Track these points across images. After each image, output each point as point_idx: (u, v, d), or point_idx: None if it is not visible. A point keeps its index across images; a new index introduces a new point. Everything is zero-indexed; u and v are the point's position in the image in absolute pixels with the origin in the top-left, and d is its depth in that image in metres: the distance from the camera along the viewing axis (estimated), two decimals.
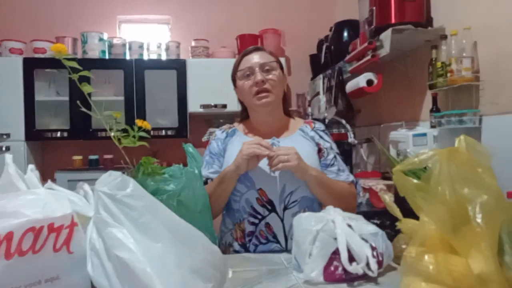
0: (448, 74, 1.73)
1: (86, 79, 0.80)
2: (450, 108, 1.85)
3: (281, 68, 1.33)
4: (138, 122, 0.88)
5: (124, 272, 0.64)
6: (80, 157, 3.21)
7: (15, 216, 0.57)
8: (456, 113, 1.70)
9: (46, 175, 3.31)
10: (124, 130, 0.92)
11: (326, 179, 1.24)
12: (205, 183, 1.26)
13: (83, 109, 0.84)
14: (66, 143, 3.30)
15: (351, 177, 1.33)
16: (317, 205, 1.29)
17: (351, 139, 2.71)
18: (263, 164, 1.23)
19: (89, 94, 0.86)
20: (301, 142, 1.30)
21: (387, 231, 1.24)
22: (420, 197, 0.74)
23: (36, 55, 3.08)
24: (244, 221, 1.25)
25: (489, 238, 0.65)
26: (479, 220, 0.64)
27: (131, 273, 0.63)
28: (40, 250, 0.59)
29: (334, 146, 1.36)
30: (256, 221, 1.23)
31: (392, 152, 2.23)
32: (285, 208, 1.23)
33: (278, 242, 1.22)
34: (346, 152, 3.16)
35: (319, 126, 1.38)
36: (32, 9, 3.37)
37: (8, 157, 0.72)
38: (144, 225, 0.69)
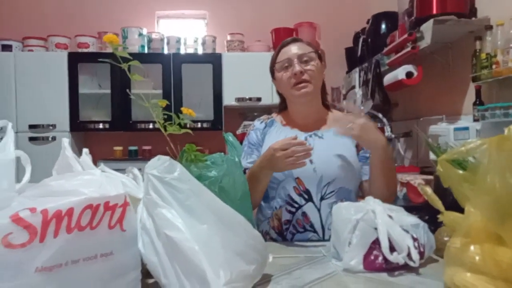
0: (494, 66, 1.66)
1: (136, 69, 0.84)
2: (494, 101, 1.78)
3: (320, 58, 1.32)
4: (184, 110, 0.91)
5: (173, 250, 0.67)
6: (120, 148, 3.34)
7: (74, 194, 0.61)
8: (502, 105, 1.64)
9: None
10: (168, 119, 0.96)
11: (391, 159, 1.22)
12: (243, 172, 1.27)
13: (132, 97, 0.88)
14: (107, 134, 3.43)
15: None
16: (354, 197, 1.29)
17: (388, 133, 2.66)
18: None
19: (130, 87, 0.89)
20: (338, 137, 1.28)
21: (439, 220, 1.21)
22: (467, 187, 0.73)
23: (80, 50, 3.22)
24: (281, 209, 1.26)
25: None
26: None
27: (180, 251, 0.67)
28: (96, 226, 0.63)
29: None
30: (293, 209, 1.25)
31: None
32: (322, 198, 1.24)
33: (315, 231, 1.23)
34: None
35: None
36: (76, 6, 3.52)
37: (65, 140, 0.77)
38: (190, 207, 0.72)
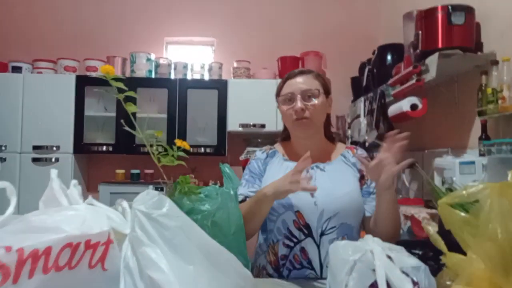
0: (500, 101, 1.64)
1: (132, 99, 0.83)
2: (501, 136, 1.74)
3: (326, 92, 1.29)
4: (178, 142, 0.90)
5: None
6: (122, 171, 3.33)
7: (54, 231, 0.59)
8: (508, 141, 1.60)
9: (90, 187, 3.48)
10: (164, 149, 0.94)
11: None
12: (243, 200, 1.24)
13: (127, 128, 0.86)
14: (110, 157, 3.44)
15: None
16: (356, 233, 1.24)
17: None
18: None
19: (133, 113, 0.88)
20: (342, 168, 1.28)
21: (429, 263, 1.16)
22: (468, 233, 0.69)
23: (88, 73, 3.27)
24: (278, 243, 1.22)
25: None
26: None
27: None
28: (76, 266, 0.60)
29: None
30: (291, 244, 1.21)
31: (437, 180, 2.13)
32: (322, 234, 1.19)
33: (313, 268, 1.18)
34: None
35: (362, 152, 1.35)
36: (86, 30, 3.60)
37: (53, 172, 0.75)
38: (177, 245, 0.69)
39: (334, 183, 1.23)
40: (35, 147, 3.14)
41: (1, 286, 0.54)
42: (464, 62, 1.92)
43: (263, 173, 1.32)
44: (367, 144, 2.83)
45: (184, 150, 0.90)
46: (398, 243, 2.05)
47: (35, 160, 3.14)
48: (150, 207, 0.70)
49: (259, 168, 1.33)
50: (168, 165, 0.90)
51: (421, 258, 1.71)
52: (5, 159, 3.10)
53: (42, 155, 3.15)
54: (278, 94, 1.33)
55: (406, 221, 2.28)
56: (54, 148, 3.17)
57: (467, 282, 0.71)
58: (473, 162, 1.88)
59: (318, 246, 1.19)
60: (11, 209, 0.67)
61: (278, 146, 1.40)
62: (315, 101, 1.25)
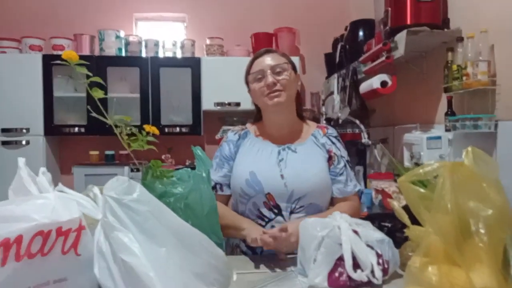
0: (464, 78, 1.70)
1: (99, 84, 0.82)
2: (465, 112, 1.82)
3: (294, 68, 1.32)
4: (147, 127, 0.90)
5: (129, 275, 0.66)
6: (96, 152, 3.28)
7: (24, 220, 0.60)
8: (471, 117, 1.67)
9: (64, 169, 3.42)
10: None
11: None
12: (214, 187, 1.28)
13: (94, 114, 0.86)
14: (83, 138, 3.37)
15: (358, 187, 1.34)
16: (325, 211, 1.29)
17: (365, 139, 2.69)
18: (273, 168, 1.25)
19: (107, 90, 0.87)
20: (312, 149, 1.31)
21: (398, 235, 1.23)
22: (424, 207, 0.74)
23: (55, 52, 3.15)
24: None
25: (492, 252, 0.65)
26: (482, 235, 0.63)
27: (135, 276, 0.65)
28: (48, 252, 0.62)
29: (344, 153, 1.35)
30: (263, 223, 1.25)
31: (406, 155, 2.21)
32: (291, 212, 1.24)
33: None
34: (359, 152, 3.14)
35: (332, 132, 1.38)
36: (51, 7, 3.44)
37: (21, 160, 0.75)
38: (149, 229, 0.71)
39: (304, 165, 1.26)
40: (4, 130, 3.04)
41: None
42: (431, 38, 1.97)
43: (234, 156, 1.34)
44: (340, 120, 2.88)
45: (154, 136, 0.90)
46: (370, 216, 2.15)
47: (4, 143, 3.04)
48: (121, 193, 0.71)
49: (230, 151, 1.35)
50: (139, 149, 0.90)
51: (390, 229, 1.80)
52: None
53: (11, 138, 3.06)
54: (247, 73, 1.34)
55: (377, 194, 2.38)
56: (24, 131, 3.07)
57: (424, 252, 0.77)
58: (439, 137, 1.96)
59: None
60: None
61: (250, 127, 1.41)
62: (285, 75, 1.27)
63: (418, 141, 2.03)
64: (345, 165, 1.32)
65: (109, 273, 0.67)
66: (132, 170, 3.06)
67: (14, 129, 3.05)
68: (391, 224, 2.10)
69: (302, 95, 3.60)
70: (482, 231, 0.63)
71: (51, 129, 3.12)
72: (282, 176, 1.24)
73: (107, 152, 3.26)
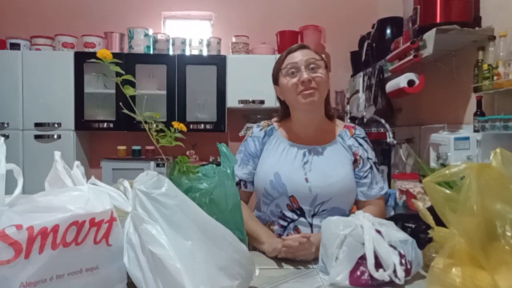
0: (495, 77, 1.65)
1: (130, 81, 0.85)
2: (495, 112, 1.77)
3: (326, 67, 1.28)
4: (175, 124, 0.93)
5: (156, 266, 0.69)
6: (124, 147, 3.38)
7: (60, 210, 0.63)
8: (502, 118, 1.62)
9: (92, 163, 3.54)
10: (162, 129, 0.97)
11: None
12: (237, 183, 1.27)
13: (125, 111, 0.89)
14: (111, 133, 3.47)
15: (384, 190, 1.29)
16: (349, 214, 1.28)
17: (390, 139, 2.66)
18: (298, 171, 1.23)
19: (135, 87, 0.91)
20: (338, 152, 1.28)
21: (422, 236, 1.22)
22: (449, 209, 0.73)
23: (86, 49, 3.25)
24: (274, 223, 1.27)
25: None
26: (508, 237, 0.63)
27: (162, 267, 0.68)
28: (82, 242, 0.65)
29: (372, 154, 1.31)
30: (285, 223, 1.25)
31: (432, 155, 2.17)
32: (314, 215, 1.24)
33: None
34: (384, 152, 3.10)
35: (359, 132, 1.33)
36: (84, 6, 3.56)
37: (57, 154, 0.79)
38: (176, 222, 0.73)
39: (329, 168, 1.24)
40: (37, 124, 3.18)
41: (15, 261, 0.59)
42: (461, 37, 1.92)
43: (259, 153, 1.32)
44: (365, 119, 2.85)
45: (181, 132, 0.93)
46: (394, 216, 2.12)
47: (37, 137, 3.18)
48: (150, 187, 0.74)
49: (255, 148, 1.32)
50: (166, 145, 0.93)
51: (414, 230, 1.78)
52: (8, 136, 3.14)
53: (44, 132, 3.19)
54: (278, 68, 1.29)
55: (401, 195, 2.34)
56: (56, 125, 3.20)
57: (448, 254, 0.76)
58: (467, 138, 1.92)
59: (311, 225, 1.24)
60: (18, 189, 0.71)
61: (276, 124, 1.37)
62: (320, 72, 1.23)
63: (445, 141, 1.99)
64: (370, 167, 1.28)
65: (138, 263, 0.71)
66: (158, 165, 3.13)
67: (46, 124, 3.18)
68: (414, 225, 2.07)
69: (329, 98, 3.58)
70: (508, 233, 0.62)
71: (82, 124, 3.23)
72: (306, 179, 1.22)
73: (134, 147, 3.35)
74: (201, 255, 0.73)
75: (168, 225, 0.73)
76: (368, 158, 1.29)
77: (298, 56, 1.24)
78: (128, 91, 0.87)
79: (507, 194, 0.63)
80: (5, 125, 3.15)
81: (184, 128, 0.92)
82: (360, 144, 1.30)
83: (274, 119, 1.39)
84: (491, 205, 0.64)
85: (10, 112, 3.15)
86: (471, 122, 1.96)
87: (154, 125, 0.96)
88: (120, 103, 0.87)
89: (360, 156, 1.28)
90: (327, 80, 1.26)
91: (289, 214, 1.24)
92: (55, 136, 3.20)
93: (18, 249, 0.59)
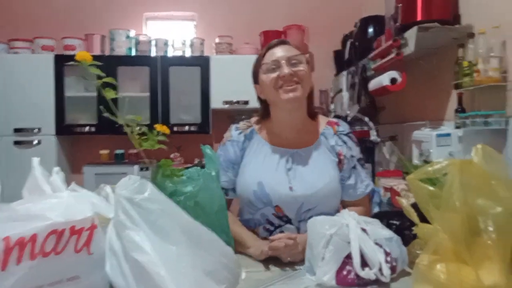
0: (475, 74, 1.68)
1: (111, 84, 0.83)
2: (476, 108, 1.80)
3: (308, 62, 1.22)
4: (157, 126, 0.91)
5: (140, 273, 0.67)
6: (107, 151, 3.33)
7: (39, 219, 0.61)
8: (482, 114, 1.66)
9: (75, 169, 3.47)
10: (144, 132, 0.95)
11: None
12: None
13: (106, 114, 0.87)
14: (94, 137, 3.41)
15: (370, 187, 1.28)
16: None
17: (373, 137, 2.68)
18: (281, 180, 1.20)
19: (117, 90, 0.89)
20: (321, 156, 1.24)
21: (407, 233, 1.23)
22: (433, 205, 0.74)
23: (66, 52, 3.19)
24: (259, 227, 1.25)
25: (501, 250, 0.65)
26: (491, 232, 0.63)
27: (146, 275, 0.66)
28: (62, 251, 0.63)
29: (356, 151, 1.27)
30: (272, 228, 1.23)
31: (415, 152, 2.20)
32: (301, 221, 1.21)
33: None
34: (368, 150, 3.13)
35: (343, 129, 1.28)
36: (63, 8, 3.49)
37: (35, 160, 0.77)
38: (160, 228, 0.72)
39: (314, 174, 1.20)
40: (16, 130, 3.10)
41: None
42: (442, 35, 1.95)
43: (239, 159, 1.27)
44: (349, 118, 2.87)
45: (170, 128, 0.92)
46: (378, 214, 2.12)
47: (16, 143, 3.10)
48: (132, 192, 0.73)
49: (235, 154, 1.27)
50: (150, 148, 0.92)
51: (399, 227, 1.79)
52: None
53: (24, 137, 3.11)
54: (258, 65, 1.23)
55: (385, 192, 2.36)
56: (36, 130, 3.13)
57: (433, 250, 0.76)
58: (449, 135, 1.95)
59: (298, 229, 1.21)
60: None
61: (255, 125, 1.31)
62: (302, 65, 1.18)
63: (427, 138, 2.02)
64: (354, 166, 1.25)
65: (121, 271, 0.69)
66: (141, 169, 3.10)
67: (26, 129, 3.11)
68: (399, 222, 2.10)
69: (312, 96, 3.60)
70: (490, 228, 0.62)
71: (63, 128, 3.18)
72: (290, 188, 1.19)
73: (117, 151, 3.31)
74: (187, 260, 0.72)
75: (152, 231, 0.71)
76: (352, 156, 1.25)
77: (279, 52, 1.19)
78: (109, 93, 0.85)
79: (489, 189, 0.64)
80: None
81: (167, 131, 0.91)
82: (344, 142, 1.26)
83: (253, 119, 1.34)
84: (474, 201, 0.65)
85: None
86: (452, 118, 1.99)
87: (137, 128, 0.94)
88: (101, 107, 0.85)
89: (344, 156, 1.24)
90: (309, 75, 1.20)
91: (275, 221, 1.22)
92: (35, 142, 3.13)
93: None
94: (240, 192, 1.26)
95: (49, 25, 3.42)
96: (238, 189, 1.26)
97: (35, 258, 0.60)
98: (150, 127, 0.95)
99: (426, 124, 2.18)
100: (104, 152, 3.31)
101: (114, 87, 0.93)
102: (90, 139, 3.46)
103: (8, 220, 0.62)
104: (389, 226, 2.15)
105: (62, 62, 3.14)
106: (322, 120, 1.32)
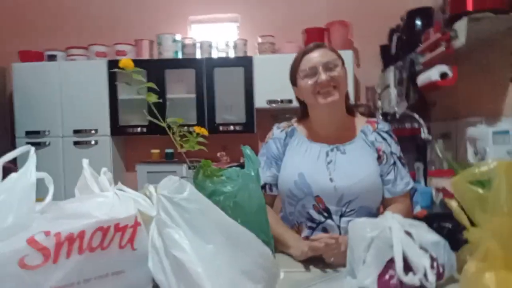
0: None
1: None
2: None
3: (343, 63, 1.27)
4: (196, 128, 0.94)
5: (179, 270, 0.70)
6: (157, 151, 3.47)
7: (86, 217, 0.66)
8: None
9: (129, 167, 3.65)
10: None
11: None
12: (263, 187, 1.25)
13: (149, 118, 0.92)
14: (145, 137, 3.57)
15: (410, 185, 1.26)
16: (376, 215, 1.25)
17: (424, 134, 2.57)
18: (322, 171, 1.23)
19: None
20: (361, 149, 1.26)
21: (459, 237, 1.17)
22: (480, 209, 0.70)
23: (118, 57, 3.36)
24: (302, 225, 1.26)
25: None
26: None
27: (185, 271, 0.69)
28: (107, 247, 0.67)
29: (396, 149, 1.28)
30: (314, 225, 1.24)
31: (470, 151, 2.07)
32: (342, 216, 1.22)
33: None
34: (419, 148, 3.00)
35: (382, 126, 1.30)
36: (115, 15, 3.68)
37: (85, 161, 0.82)
38: (198, 227, 0.74)
39: (354, 167, 1.22)
40: (76, 131, 3.32)
41: (44, 266, 0.61)
42: (496, 24, 1.81)
43: (282, 155, 1.31)
44: (397, 115, 2.77)
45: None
46: (431, 215, 2.05)
47: (76, 143, 3.32)
48: (172, 192, 0.76)
49: (278, 150, 1.32)
50: (189, 150, 0.95)
51: (451, 231, 1.71)
52: (49, 144, 3.31)
53: (82, 138, 3.33)
54: (295, 70, 1.28)
55: (438, 193, 2.25)
56: (93, 132, 3.33)
57: (481, 257, 0.72)
58: (507, 132, 1.81)
59: (339, 227, 1.22)
60: (49, 197, 0.74)
61: (296, 125, 1.36)
62: (338, 69, 1.22)
63: (482, 135, 1.90)
64: (394, 163, 1.26)
65: (162, 267, 0.72)
66: (189, 168, 3.19)
67: (84, 130, 3.32)
68: (452, 224, 1.98)
69: (357, 90, 3.51)
70: None
71: (117, 129, 3.35)
72: (331, 179, 1.21)
73: (167, 151, 3.43)
74: (223, 259, 0.73)
75: (190, 230, 0.74)
76: (391, 153, 1.26)
77: (315, 57, 1.23)
78: (150, 98, 0.89)
79: None
80: (46, 132, 3.32)
81: (206, 132, 0.93)
82: (384, 139, 1.27)
83: (294, 119, 1.39)
84: None
85: (50, 120, 3.32)
86: (510, 114, 1.86)
87: (178, 130, 0.98)
88: (144, 110, 0.89)
89: (384, 152, 1.25)
90: (345, 77, 1.26)
91: (316, 216, 1.23)
92: (93, 142, 3.33)
93: (46, 254, 0.61)
94: (281, 184, 1.29)
95: (102, 32, 3.63)
96: (280, 181, 1.30)
97: (83, 252, 0.65)
98: (197, 127, 0.99)
99: (481, 120, 2.05)
100: (155, 151, 3.46)
101: (156, 91, 0.97)
102: (142, 139, 3.62)
103: (58, 218, 0.67)
104: (440, 228, 2.05)
105: (114, 67, 3.29)
106: (361, 118, 1.35)
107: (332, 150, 1.26)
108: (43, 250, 0.61)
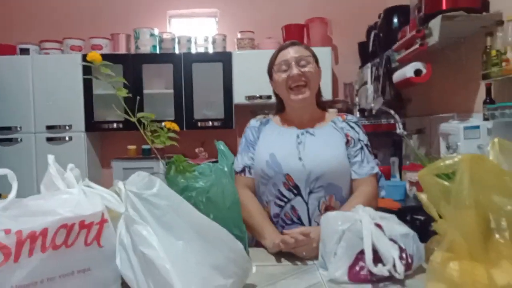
0: (503, 64, 1.60)
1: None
2: (505, 99, 1.72)
3: (317, 62, 1.36)
4: (167, 124, 0.93)
5: (147, 267, 0.69)
6: (134, 147, 3.41)
7: (49, 214, 0.64)
8: (511, 105, 1.58)
9: (104, 163, 3.58)
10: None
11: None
12: (243, 170, 1.35)
13: (119, 113, 0.90)
14: (121, 133, 3.50)
15: (375, 169, 1.33)
16: (346, 194, 1.30)
17: (399, 130, 2.61)
18: (292, 151, 1.29)
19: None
20: (330, 133, 1.34)
21: (431, 228, 1.20)
22: (445, 201, 0.71)
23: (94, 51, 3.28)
24: (270, 203, 1.30)
25: None
26: (503, 230, 0.60)
27: (153, 268, 0.68)
28: (72, 244, 0.66)
29: (363, 137, 1.36)
30: (282, 203, 1.28)
31: (442, 146, 2.12)
32: (310, 192, 1.26)
33: (302, 223, 1.26)
34: (395, 143, 3.05)
35: (351, 118, 1.41)
36: (90, 9, 3.59)
37: (50, 158, 0.80)
38: (167, 223, 0.73)
39: (322, 147, 1.30)
40: (49, 127, 3.23)
41: (4, 265, 0.59)
42: (469, 23, 1.87)
43: (256, 140, 1.39)
44: (373, 111, 2.81)
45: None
46: (405, 208, 2.10)
47: (49, 139, 3.23)
48: (141, 188, 0.74)
49: (253, 136, 1.40)
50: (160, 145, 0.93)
51: (423, 223, 1.75)
52: (21, 140, 3.21)
53: (55, 134, 3.24)
54: (271, 65, 1.38)
55: (411, 187, 2.30)
56: (67, 127, 3.24)
57: (447, 248, 0.74)
58: (477, 127, 1.87)
59: (307, 204, 1.26)
60: (12, 194, 0.72)
61: (272, 117, 1.45)
62: (310, 67, 1.31)
63: (455, 131, 1.95)
64: (361, 148, 1.33)
65: (130, 264, 0.71)
66: (167, 164, 3.15)
67: (57, 126, 3.23)
68: (424, 217, 2.03)
69: (335, 86, 3.54)
70: (504, 226, 0.60)
71: (92, 125, 3.27)
72: (300, 158, 1.28)
73: (144, 147, 3.38)
74: (194, 254, 0.73)
75: (159, 226, 0.73)
76: (359, 140, 1.34)
77: (289, 53, 1.32)
78: (121, 92, 0.88)
79: (502, 186, 0.61)
80: (18, 128, 3.21)
81: (177, 128, 0.92)
82: (352, 127, 1.36)
83: (270, 115, 1.47)
84: (485, 197, 0.62)
85: (22, 116, 3.21)
86: (481, 110, 1.91)
87: (149, 125, 0.96)
88: (113, 105, 0.87)
89: (352, 137, 1.34)
90: (317, 75, 1.35)
91: (286, 193, 1.28)
92: (67, 138, 3.24)
93: (7, 253, 0.59)
94: (255, 165, 1.35)
95: (76, 26, 3.53)
96: (255, 163, 1.36)
97: (46, 251, 0.63)
98: (176, 122, 0.98)
99: (453, 116, 2.10)
100: (132, 147, 3.40)
101: (127, 87, 0.95)
102: (119, 135, 3.55)
103: (20, 215, 0.65)
104: (413, 220, 2.10)
105: (89, 61, 3.22)
106: (332, 111, 1.48)
107: (302, 133, 1.34)
108: (3, 248, 0.59)
